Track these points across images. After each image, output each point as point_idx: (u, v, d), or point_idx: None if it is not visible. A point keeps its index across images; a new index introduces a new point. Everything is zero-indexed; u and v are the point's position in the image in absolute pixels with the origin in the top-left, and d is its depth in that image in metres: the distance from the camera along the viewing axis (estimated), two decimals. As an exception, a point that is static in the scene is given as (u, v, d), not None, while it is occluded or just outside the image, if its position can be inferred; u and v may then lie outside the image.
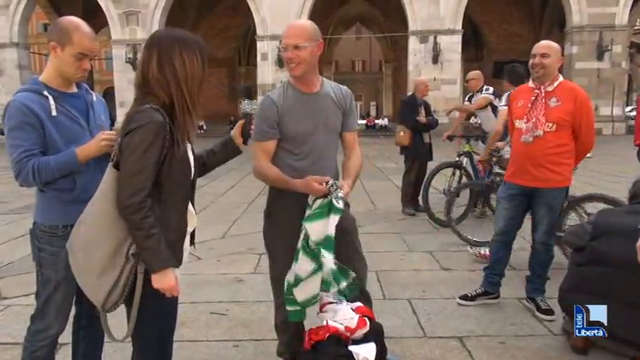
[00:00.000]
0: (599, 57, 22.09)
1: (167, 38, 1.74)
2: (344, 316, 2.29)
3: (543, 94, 3.30)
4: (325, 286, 2.25)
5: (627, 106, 27.59)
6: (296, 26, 2.32)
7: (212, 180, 10.11)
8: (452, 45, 22.58)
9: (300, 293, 2.28)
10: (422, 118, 6.81)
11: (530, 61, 3.33)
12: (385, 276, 4.21)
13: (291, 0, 22.70)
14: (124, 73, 22.91)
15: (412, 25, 22.82)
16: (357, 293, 2.37)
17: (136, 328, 1.78)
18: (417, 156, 6.92)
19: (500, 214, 3.63)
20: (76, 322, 2.34)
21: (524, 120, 3.34)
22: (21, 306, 3.62)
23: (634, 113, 24.67)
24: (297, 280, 2.26)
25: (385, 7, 31.18)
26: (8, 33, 24.27)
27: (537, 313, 3.39)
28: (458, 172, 6.44)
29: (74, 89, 2.14)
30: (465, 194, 6.04)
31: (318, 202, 2.20)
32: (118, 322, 1.89)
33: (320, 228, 2.18)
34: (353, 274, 2.30)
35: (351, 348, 2.16)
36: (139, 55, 1.82)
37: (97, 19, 24.78)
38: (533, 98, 3.34)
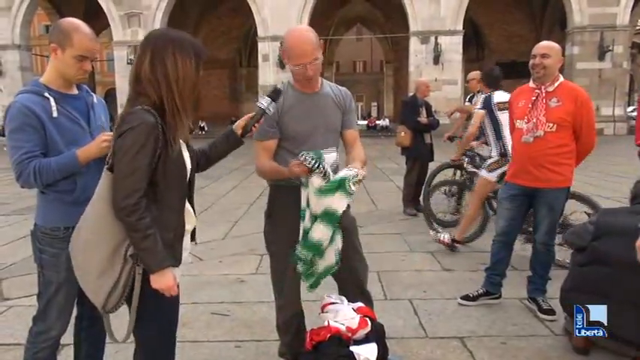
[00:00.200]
0: (601, 57, 22.06)
1: (162, 38, 1.73)
2: (345, 316, 2.29)
3: (544, 95, 3.30)
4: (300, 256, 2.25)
5: (629, 106, 27.57)
6: (306, 40, 2.24)
7: (213, 181, 10.12)
8: (453, 46, 22.57)
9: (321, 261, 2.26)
10: (423, 118, 6.81)
11: (531, 62, 3.33)
12: (386, 276, 4.21)
13: (291, 1, 22.71)
14: (125, 75, 22.90)
15: (413, 26, 22.82)
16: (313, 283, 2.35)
17: (137, 327, 1.78)
18: (418, 156, 6.93)
19: (502, 215, 3.62)
20: (77, 323, 2.34)
21: (525, 120, 3.35)
22: (23, 307, 3.63)
23: (635, 113, 24.60)
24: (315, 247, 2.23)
25: (386, 8, 31.19)
26: (10, 35, 24.33)
27: (539, 314, 3.39)
28: (459, 173, 6.43)
29: (75, 91, 2.15)
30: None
31: (311, 179, 2.17)
32: (120, 323, 1.89)
33: (327, 201, 2.14)
34: (324, 266, 2.28)
35: (353, 348, 2.16)
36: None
37: (98, 20, 24.84)
38: (533, 98, 3.34)
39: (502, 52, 31.27)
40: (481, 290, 3.66)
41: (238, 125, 2.12)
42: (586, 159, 3.47)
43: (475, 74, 6.54)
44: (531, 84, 3.43)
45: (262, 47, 23.55)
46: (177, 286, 1.86)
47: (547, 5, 28.82)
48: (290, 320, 2.55)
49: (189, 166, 1.83)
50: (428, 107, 7.03)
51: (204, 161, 2.10)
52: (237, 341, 3.11)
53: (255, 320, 3.41)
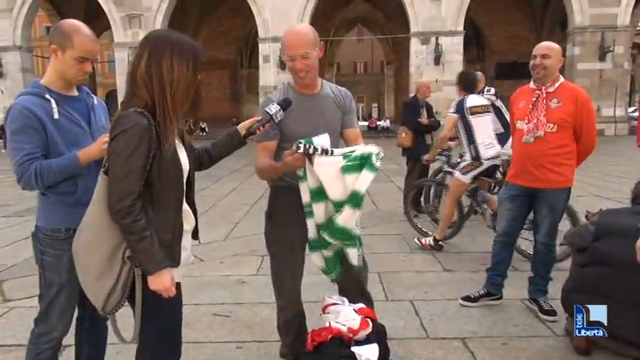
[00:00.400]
0: (601, 58, 22.05)
1: (161, 40, 1.73)
2: (346, 317, 2.29)
3: (544, 95, 3.30)
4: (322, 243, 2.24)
5: (630, 106, 27.54)
6: (300, 34, 2.29)
7: (214, 182, 10.13)
8: (453, 46, 22.57)
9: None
10: (424, 119, 6.82)
11: (531, 62, 3.33)
12: (387, 277, 4.21)
13: (292, 2, 22.73)
14: (126, 76, 22.82)
15: (414, 27, 22.82)
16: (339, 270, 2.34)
17: (143, 327, 1.79)
18: (419, 157, 6.92)
19: (502, 215, 3.62)
20: (78, 324, 2.35)
21: (525, 121, 3.35)
22: (24, 308, 3.64)
23: (637, 114, 24.59)
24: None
25: (386, 9, 31.21)
26: (11, 36, 24.37)
27: (540, 314, 3.39)
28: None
29: (75, 92, 2.16)
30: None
31: (308, 170, 2.15)
32: (122, 324, 1.90)
33: (349, 182, 2.10)
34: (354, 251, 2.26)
35: (354, 349, 2.16)
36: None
37: (99, 21, 24.88)
38: (534, 99, 3.34)
39: (503, 52, 31.29)
40: (482, 291, 3.66)
41: (243, 126, 2.13)
42: (587, 159, 3.47)
43: (478, 75, 6.53)
44: (532, 85, 3.43)
45: (263, 48, 23.57)
46: (179, 287, 1.87)
47: (548, 6, 28.82)
48: (291, 321, 2.55)
49: (185, 166, 1.83)
50: (429, 108, 7.03)
51: (206, 160, 2.11)
52: (238, 342, 3.12)
53: (257, 321, 3.41)
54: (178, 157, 1.77)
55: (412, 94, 7.61)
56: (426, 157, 5.76)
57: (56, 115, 2.01)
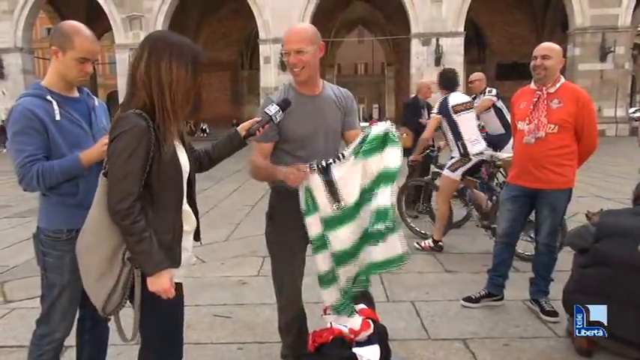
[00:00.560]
0: (602, 58, 22.02)
1: (161, 41, 1.73)
2: (347, 318, 2.29)
3: (545, 96, 3.30)
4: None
5: (630, 107, 27.52)
6: (296, 31, 2.32)
7: (215, 183, 10.13)
8: (454, 47, 22.55)
9: (378, 253, 2.20)
10: (424, 120, 6.81)
11: (532, 63, 3.33)
12: (388, 278, 4.21)
13: (293, 3, 22.75)
14: (127, 78, 22.85)
15: (414, 28, 22.82)
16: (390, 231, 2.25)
17: (142, 327, 1.79)
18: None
19: (503, 216, 3.62)
20: (80, 325, 2.34)
21: (526, 122, 3.35)
22: (26, 309, 3.64)
23: (638, 114, 24.48)
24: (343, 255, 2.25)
25: (387, 10, 31.21)
26: (12, 38, 24.40)
27: (541, 315, 3.38)
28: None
29: (76, 94, 2.16)
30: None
31: (315, 194, 2.21)
32: (125, 324, 1.90)
33: (375, 164, 2.17)
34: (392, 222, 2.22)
35: (355, 350, 2.17)
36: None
37: (100, 23, 24.93)
38: (535, 100, 3.34)
39: (503, 53, 31.27)
40: (483, 292, 3.65)
41: (243, 127, 2.14)
42: (588, 160, 3.47)
43: (479, 75, 6.54)
44: (532, 85, 3.43)
45: (264, 49, 23.58)
46: (181, 287, 1.87)
47: (548, 6, 28.81)
48: (292, 321, 2.55)
49: (186, 167, 1.83)
50: (429, 109, 7.02)
51: (207, 161, 2.12)
52: (239, 343, 3.12)
53: (258, 322, 3.41)
54: (178, 158, 1.77)
55: (413, 95, 7.62)
56: (411, 157, 5.77)
57: (58, 117, 2.01)
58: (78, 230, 1.82)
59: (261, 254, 4.84)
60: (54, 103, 2.02)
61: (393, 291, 3.94)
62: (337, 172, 2.19)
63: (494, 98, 6.14)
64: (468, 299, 3.65)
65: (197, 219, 1.95)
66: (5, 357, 3.01)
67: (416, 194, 6.82)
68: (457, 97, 5.00)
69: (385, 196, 2.15)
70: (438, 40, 22.47)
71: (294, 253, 2.43)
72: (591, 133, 3.32)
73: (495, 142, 6.27)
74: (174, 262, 1.77)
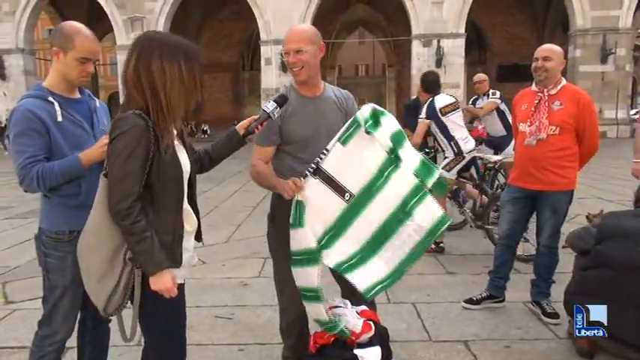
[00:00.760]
0: (603, 60, 22.01)
1: (150, 42, 1.72)
2: (349, 320, 2.29)
3: (546, 98, 3.30)
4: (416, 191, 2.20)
5: (632, 109, 27.50)
6: (296, 31, 2.34)
7: (216, 184, 10.14)
8: (455, 49, 22.56)
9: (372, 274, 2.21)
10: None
11: (533, 65, 3.33)
12: (390, 280, 4.20)
13: (294, 5, 22.77)
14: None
15: (415, 29, 22.82)
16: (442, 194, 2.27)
17: (144, 328, 1.80)
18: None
19: (504, 218, 3.62)
20: (81, 326, 2.34)
21: (528, 123, 3.35)
22: (27, 310, 3.64)
23: (638, 116, 24.46)
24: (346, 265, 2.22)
25: (388, 11, 31.21)
26: (14, 39, 24.44)
27: (543, 317, 3.38)
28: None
29: (77, 95, 2.16)
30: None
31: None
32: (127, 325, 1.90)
33: (381, 136, 2.19)
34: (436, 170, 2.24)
35: (357, 352, 2.16)
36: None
37: (101, 24, 24.95)
38: (536, 102, 3.34)
39: (504, 54, 31.27)
40: (485, 294, 3.65)
41: (241, 126, 2.13)
42: (589, 162, 3.47)
43: (484, 76, 6.55)
44: (534, 87, 3.43)
45: (265, 51, 23.60)
46: (183, 287, 1.87)
47: (549, 8, 28.81)
48: (293, 323, 2.55)
49: (186, 167, 1.83)
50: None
51: (207, 161, 2.12)
52: (240, 344, 3.12)
53: (259, 323, 3.41)
54: (178, 158, 1.77)
55: (414, 97, 7.62)
56: None
57: (60, 118, 2.02)
58: (80, 231, 1.82)
59: (262, 255, 4.84)
60: (56, 104, 2.02)
61: (394, 292, 3.94)
62: (328, 166, 2.18)
63: (499, 101, 6.15)
64: (470, 301, 3.65)
65: (198, 219, 1.95)
66: (7, 358, 3.01)
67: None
68: (443, 99, 5.04)
69: (411, 155, 2.20)
70: (439, 41, 22.47)
71: None
72: (592, 135, 3.32)
73: (497, 144, 6.28)
74: (175, 262, 1.78)
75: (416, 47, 22.91)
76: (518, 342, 3.09)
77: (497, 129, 6.25)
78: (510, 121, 4.84)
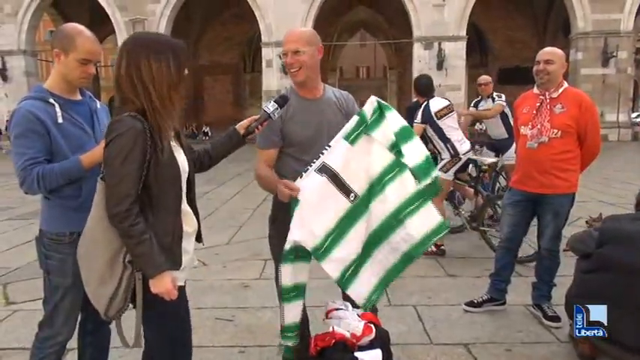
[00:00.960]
0: (605, 63, 22.01)
1: (137, 42, 1.74)
2: (350, 322, 2.29)
3: (548, 101, 3.30)
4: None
5: (633, 112, 27.48)
6: (294, 32, 2.37)
7: (217, 186, 10.14)
8: (456, 51, 22.57)
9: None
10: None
11: (535, 68, 3.33)
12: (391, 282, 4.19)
13: (296, 7, 22.80)
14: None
15: (417, 32, 22.84)
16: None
17: (146, 331, 1.80)
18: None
19: (505, 221, 3.62)
20: (82, 327, 2.34)
21: (529, 126, 3.35)
22: (28, 311, 3.65)
23: (640, 119, 24.24)
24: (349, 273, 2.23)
25: (389, 14, 31.22)
26: (16, 40, 24.49)
27: (544, 320, 3.38)
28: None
29: (78, 96, 2.17)
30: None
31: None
32: (127, 328, 1.90)
33: (383, 132, 2.18)
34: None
35: (357, 354, 2.16)
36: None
37: (104, 26, 24.99)
38: (538, 105, 3.34)
39: (506, 57, 31.26)
40: (486, 296, 3.65)
41: (241, 125, 2.15)
42: (590, 165, 3.47)
43: (488, 78, 6.57)
44: (535, 90, 3.43)
45: (266, 53, 23.63)
46: (184, 289, 1.87)
47: (550, 11, 28.81)
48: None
49: (184, 168, 1.82)
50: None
51: (207, 161, 2.12)
52: (241, 346, 3.11)
53: (260, 325, 3.41)
54: (175, 159, 1.77)
55: (415, 99, 7.61)
56: None
57: (60, 120, 2.02)
58: (80, 233, 1.82)
59: (263, 257, 4.84)
60: (56, 105, 2.02)
61: (395, 295, 3.93)
62: (334, 164, 2.16)
63: (504, 103, 6.17)
64: (470, 304, 3.64)
65: (198, 220, 1.94)
66: (7, 359, 3.01)
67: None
68: (438, 103, 5.09)
69: (416, 150, 2.17)
70: (440, 44, 22.48)
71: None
72: (594, 138, 3.32)
73: (498, 147, 6.29)
74: (175, 264, 1.77)
75: (417, 50, 22.93)
76: (519, 345, 3.09)
77: (500, 132, 6.25)
78: (512, 124, 4.84)
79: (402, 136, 2.19)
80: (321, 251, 2.17)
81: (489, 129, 6.63)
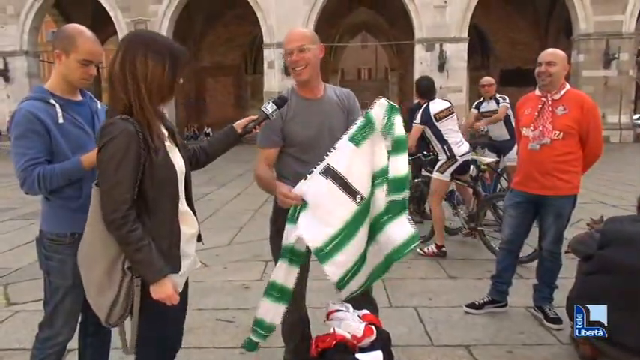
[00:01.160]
0: (606, 65, 21.98)
1: (136, 38, 1.72)
2: (351, 323, 2.29)
3: (550, 102, 3.30)
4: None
5: (635, 114, 27.43)
6: (297, 31, 2.37)
7: (218, 187, 10.14)
8: (458, 53, 22.56)
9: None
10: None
11: (537, 69, 3.33)
12: (392, 284, 4.20)
13: (297, 9, 22.83)
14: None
15: (418, 33, 22.84)
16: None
17: (143, 336, 1.77)
18: (422, 165, 6.92)
19: (506, 223, 3.62)
20: (82, 328, 2.34)
21: (531, 128, 3.34)
22: (29, 312, 3.65)
23: (642, 121, 24.18)
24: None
25: (391, 15, 31.24)
26: (18, 41, 24.55)
27: (545, 322, 3.37)
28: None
29: (79, 97, 2.17)
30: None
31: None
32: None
33: (387, 136, 2.18)
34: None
35: (358, 356, 2.15)
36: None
37: (106, 27, 25.04)
38: (539, 106, 3.33)
39: (507, 59, 31.24)
40: (487, 298, 3.64)
41: (239, 124, 2.15)
42: (592, 166, 3.46)
43: (491, 80, 6.58)
44: (537, 92, 3.42)
45: (268, 54, 23.64)
46: (186, 292, 1.86)
47: (552, 12, 28.79)
48: (295, 326, 2.54)
49: (181, 168, 1.80)
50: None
51: (203, 158, 2.12)
52: (241, 347, 3.10)
53: (260, 327, 3.40)
54: (171, 160, 1.74)
55: (416, 101, 7.61)
56: None
57: (61, 120, 2.02)
58: (81, 234, 1.81)
59: (264, 258, 4.84)
60: (57, 106, 2.02)
61: (396, 297, 3.93)
62: (338, 166, 2.12)
63: (509, 105, 6.19)
64: (471, 305, 3.63)
65: (196, 220, 1.93)
66: (8, 360, 3.01)
67: (417, 200, 6.83)
68: (438, 105, 5.14)
69: (401, 164, 2.18)
70: (441, 45, 22.48)
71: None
72: (596, 140, 3.31)
73: (500, 148, 6.29)
74: (175, 267, 1.75)
75: (419, 51, 22.93)
76: (521, 347, 3.08)
77: (501, 133, 6.26)
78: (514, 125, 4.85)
79: (397, 146, 2.19)
80: (324, 252, 2.13)
81: (491, 130, 6.64)
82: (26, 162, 1.96)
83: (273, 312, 2.27)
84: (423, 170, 5.81)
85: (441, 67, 22.45)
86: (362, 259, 2.24)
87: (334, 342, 2.18)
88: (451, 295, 3.97)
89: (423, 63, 22.82)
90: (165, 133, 1.80)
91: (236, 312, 3.68)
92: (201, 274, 4.48)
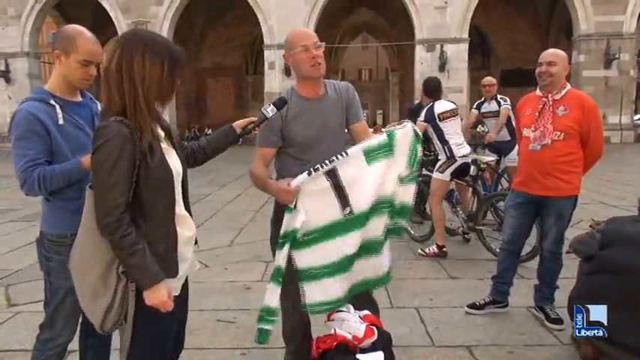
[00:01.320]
0: (607, 65, 21.97)
1: (134, 37, 1.68)
2: (352, 324, 2.28)
3: (551, 103, 3.29)
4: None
5: (635, 114, 27.41)
6: (304, 30, 2.40)
7: (219, 188, 10.14)
8: (459, 53, 22.57)
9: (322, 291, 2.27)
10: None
11: (538, 70, 3.32)
12: (393, 284, 4.16)
13: (298, 10, 22.85)
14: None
15: (419, 34, 22.85)
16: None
17: (136, 339, 1.74)
18: (423, 164, 6.93)
19: (507, 223, 3.61)
20: (83, 329, 2.33)
21: (532, 129, 3.34)
22: (29, 313, 3.65)
23: (643, 121, 24.16)
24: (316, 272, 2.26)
25: (391, 16, 31.25)
26: (19, 42, 24.59)
27: (546, 323, 3.36)
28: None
29: (79, 98, 2.17)
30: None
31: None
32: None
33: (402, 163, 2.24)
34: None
35: (359, 357, 2.15)
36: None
37: (107, 29, 25.06)
38: (540, 107, 3.33)
39: (508, 59, 31.23)
40: (488, 299, 3.64)
41: (238, 124, 2.15)
42: (593, 167, 3.45)
43: (493, 80, 6.59)
44: (538, 92, 3.42)
45: (268, 55, 23.66)
46: (186, 294, 1.85)
47: (553, 13, 28.79)
48: (296, 327, 2.54)
49: (178, 170, 1.77)
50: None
51: (201, 156, 2.12)
52: (242, 348, 3.11)
53: (261, 328, 3.39)
54: (167, 161, 1.71)
55: (417, 101, 7.63)
56: None
57: (61, 121, 2.02)
58: None
59: (265, 259, 4.83)
60: (57, 107, 2.02)
61: (397, 297, 3.93)
62: (343, 175, 2.16)
63: (510, 106, 6.21)
64: (473, 306, 3.63)
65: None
66: (9, 361, 3.01)
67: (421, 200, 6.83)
68: (443, 105, 5.17)
69: (410, 193, 2.24)
70: (442, 46, 22.48)
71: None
72: (597, 140, 3.31)
73: (500, 149, 6.29)
74: (171, 272, 1.72)
75: (419, 52, 22.94)
76: (522, 348, 3.07)
77: (503, 134, 6.27)
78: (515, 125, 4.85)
79: (412, 176, 2.24)
80: (299, 240, 2.21)
81: (492, 131, 6.63)
82: (26, 163, 1.96)
83: (278, 296, 2.32)
84: (423, 169, 5.81)
85: (442, 68, 22.45)
86: (332, 269, 2.26)
87: (335, 343, 2.18)
88: (452, 296, 3.97)
89: (423, 63, 22.83)
90: (162, 133, 1.77)
91: (237, 313, 3.68)
92: (201, 275, 4.48)
